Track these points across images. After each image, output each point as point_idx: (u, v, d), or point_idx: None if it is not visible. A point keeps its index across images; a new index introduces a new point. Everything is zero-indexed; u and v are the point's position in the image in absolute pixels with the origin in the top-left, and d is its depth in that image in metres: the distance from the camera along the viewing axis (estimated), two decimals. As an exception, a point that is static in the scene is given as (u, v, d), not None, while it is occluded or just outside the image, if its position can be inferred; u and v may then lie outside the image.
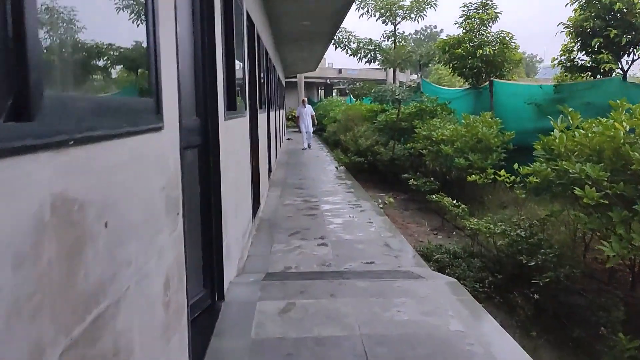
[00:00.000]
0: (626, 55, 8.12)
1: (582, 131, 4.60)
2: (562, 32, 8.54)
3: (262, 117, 7.51)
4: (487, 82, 10.06)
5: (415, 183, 8.46)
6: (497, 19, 10.91)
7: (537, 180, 4.92)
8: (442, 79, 25.16)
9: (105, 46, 1.39)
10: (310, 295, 3.53)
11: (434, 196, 6.98)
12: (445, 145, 8.09)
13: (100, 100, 1.29)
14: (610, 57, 7.92)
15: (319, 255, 4.85)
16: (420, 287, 3.73)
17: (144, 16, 1.67)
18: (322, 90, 44.93)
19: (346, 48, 21.36)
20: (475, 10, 11.01)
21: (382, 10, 19.64)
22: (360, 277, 4.00)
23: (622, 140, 4.05)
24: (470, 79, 10.91)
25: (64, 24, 1.16)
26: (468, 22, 10.86)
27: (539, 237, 4.95)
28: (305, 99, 18.81)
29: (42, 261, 0.99)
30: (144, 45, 1.69)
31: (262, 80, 8.01)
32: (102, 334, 1.28)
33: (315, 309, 3.25)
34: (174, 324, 2.01)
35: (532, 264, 4.55)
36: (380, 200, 8.24)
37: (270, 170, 9.58)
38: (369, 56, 21.54)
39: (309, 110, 17.36)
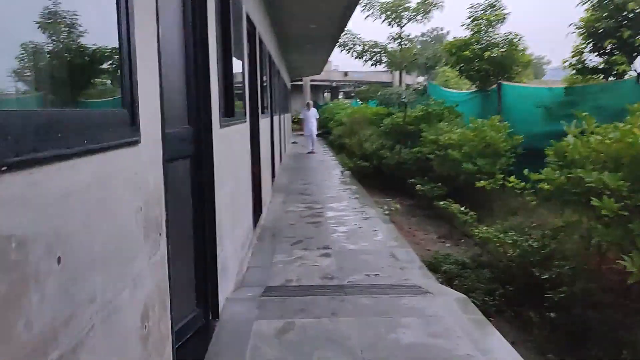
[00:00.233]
0: (640, 56, 7.86)
1: (599, 137, 4.37)
2: (572, 32, 8.29)
3: (264, 122, 7.31)
4: (495, 85, 9.82)
5: (422, 188, 8.24)
6: (505, 19, 10.67)
7: (549, 187, 4.69)
8: (449, 81, 24.87)
9: (59, 48, 1.19)
10: (310, 313, 3.32)
11: (442, 202, 6.75)
12: (453, 149, 7.85)
13: (49, 115, 1.09)
14: (624, 59, 7.66)
15: (322, 267, 4.65)
16: (427, 305, 3.51)
17: (115, 12, 1.48)
18: (328, 93, 44.74)
19: (351, 51, 21.15)
20: (482, 12, 10.77)
21: (388, 12, 19.42)
22: (364, 293, 3.78)
23: (642, 147, 3.81)
24: (477, 82, 10.68)
25: None
26: (475, 24, 10.63)
27: (551, 247, 4.72)
28: (311, 102, 18.59)
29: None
30: (116, 47, 1.50)
31: (265, 84, 7.82)
32: (52, 390, 1.08)
33: (315, 331, 3.04)
34: (155, 358, 1.81)
35: (546, 276, 4.33)
36: (386, 206, 8.03)
37: (273, 176, 9.38)
38: (374, 59, 21.33)
39: (313, 113, 17.06)
